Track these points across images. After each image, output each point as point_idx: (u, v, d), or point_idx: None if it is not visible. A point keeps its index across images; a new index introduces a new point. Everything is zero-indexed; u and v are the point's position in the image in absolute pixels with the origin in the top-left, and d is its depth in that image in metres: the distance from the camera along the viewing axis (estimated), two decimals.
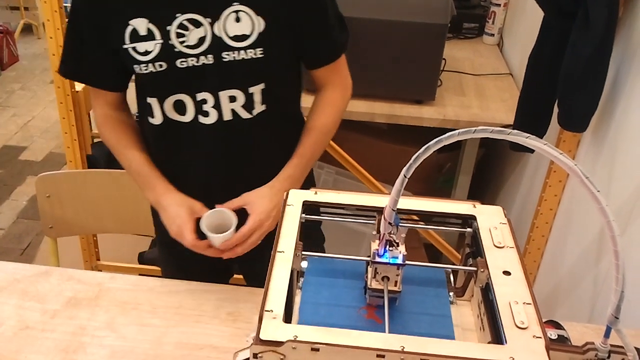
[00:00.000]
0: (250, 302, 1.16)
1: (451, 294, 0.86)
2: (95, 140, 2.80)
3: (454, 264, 1.06)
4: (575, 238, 1.59)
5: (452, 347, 0.65)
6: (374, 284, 0.75)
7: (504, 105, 2.07)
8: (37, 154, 3.59)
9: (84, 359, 1.04)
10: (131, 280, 1.22)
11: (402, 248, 0.74)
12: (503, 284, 0.75)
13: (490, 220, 0.85)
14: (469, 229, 0.87)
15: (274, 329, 0.66)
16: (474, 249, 0.86)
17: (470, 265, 0.83)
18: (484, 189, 2.61)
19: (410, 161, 0.65)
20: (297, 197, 0.88)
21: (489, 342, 0.73)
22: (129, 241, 2.08)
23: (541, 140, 0.60)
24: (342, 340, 0.65)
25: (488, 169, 2.59)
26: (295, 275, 0.79)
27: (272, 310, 0.68)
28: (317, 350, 0.65)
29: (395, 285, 0.75)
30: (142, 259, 2.07)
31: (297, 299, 0.80)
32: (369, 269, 0.76)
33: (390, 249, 0.73)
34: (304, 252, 0.80)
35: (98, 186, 1.61)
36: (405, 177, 0.66)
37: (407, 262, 0.74)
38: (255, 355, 0.65)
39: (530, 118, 1.69)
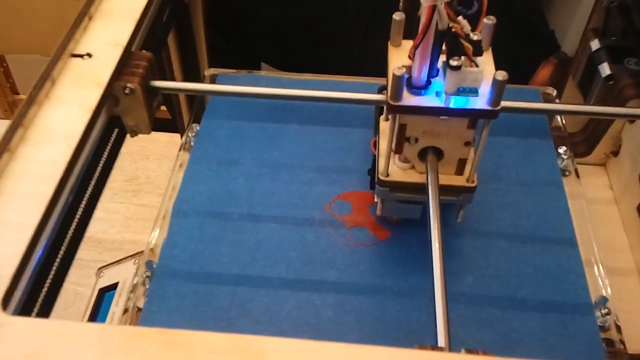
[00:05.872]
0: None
1: (562, 151, 0.36)
2: None
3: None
4: None
5: None
6: (398, 175, 0.29)
7: None
8: None
9: None
10: None
11: (487, 61, 0.26)
12: None
13: None
14: None
15: None
16: None
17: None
18: None
19: None
20: None
21: None
22: None
23: None
24: None
25: None
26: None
27: None
28: None
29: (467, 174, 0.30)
30: None
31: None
32: (384, 124, 0.34)
33: (455, 61, 0.25)
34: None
35: None
36: None
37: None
38: None
39: None
